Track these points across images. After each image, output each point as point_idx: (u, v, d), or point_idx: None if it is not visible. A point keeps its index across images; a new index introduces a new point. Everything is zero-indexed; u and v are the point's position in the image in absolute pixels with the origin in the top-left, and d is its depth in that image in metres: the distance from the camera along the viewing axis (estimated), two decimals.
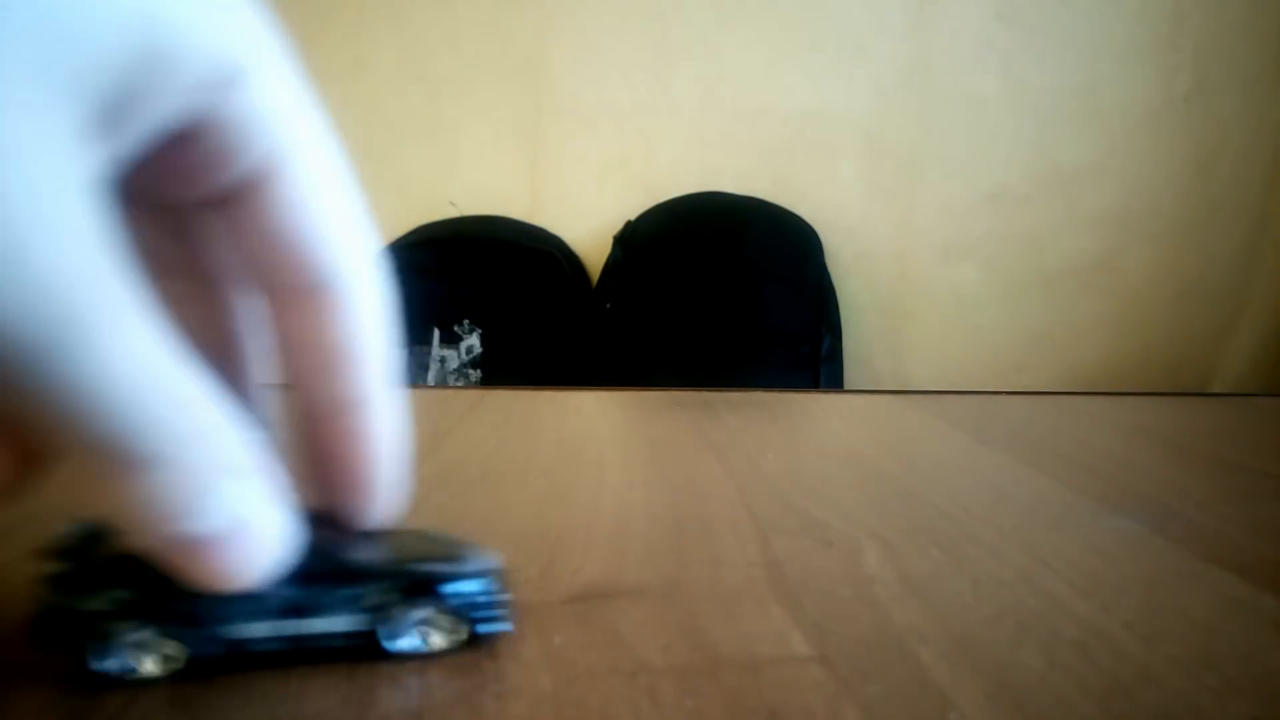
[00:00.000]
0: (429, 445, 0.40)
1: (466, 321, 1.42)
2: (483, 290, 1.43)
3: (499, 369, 1.42)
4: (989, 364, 1.52)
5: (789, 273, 1.45)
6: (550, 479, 0.37)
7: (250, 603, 0.18)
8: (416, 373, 1.43)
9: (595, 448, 0.43)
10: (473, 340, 1.43)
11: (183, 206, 0.19)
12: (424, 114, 1.53)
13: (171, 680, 0.18)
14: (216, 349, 0.20)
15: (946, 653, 0.21)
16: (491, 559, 0.21)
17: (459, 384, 1.42)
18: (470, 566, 0.20)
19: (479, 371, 1.43)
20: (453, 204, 1.52)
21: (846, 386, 1.46)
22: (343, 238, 0.19)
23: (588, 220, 1.54)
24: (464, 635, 0.20)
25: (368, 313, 0.20)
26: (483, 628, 0.20)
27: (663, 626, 0.22)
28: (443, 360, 1.43)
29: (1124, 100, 1.46)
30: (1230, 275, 1.50)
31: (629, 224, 1.50)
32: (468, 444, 0.42)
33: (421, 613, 0.20)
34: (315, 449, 0.20)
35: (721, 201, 1.51)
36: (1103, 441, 0.46)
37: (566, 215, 1.55)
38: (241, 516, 0.16)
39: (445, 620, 0.20)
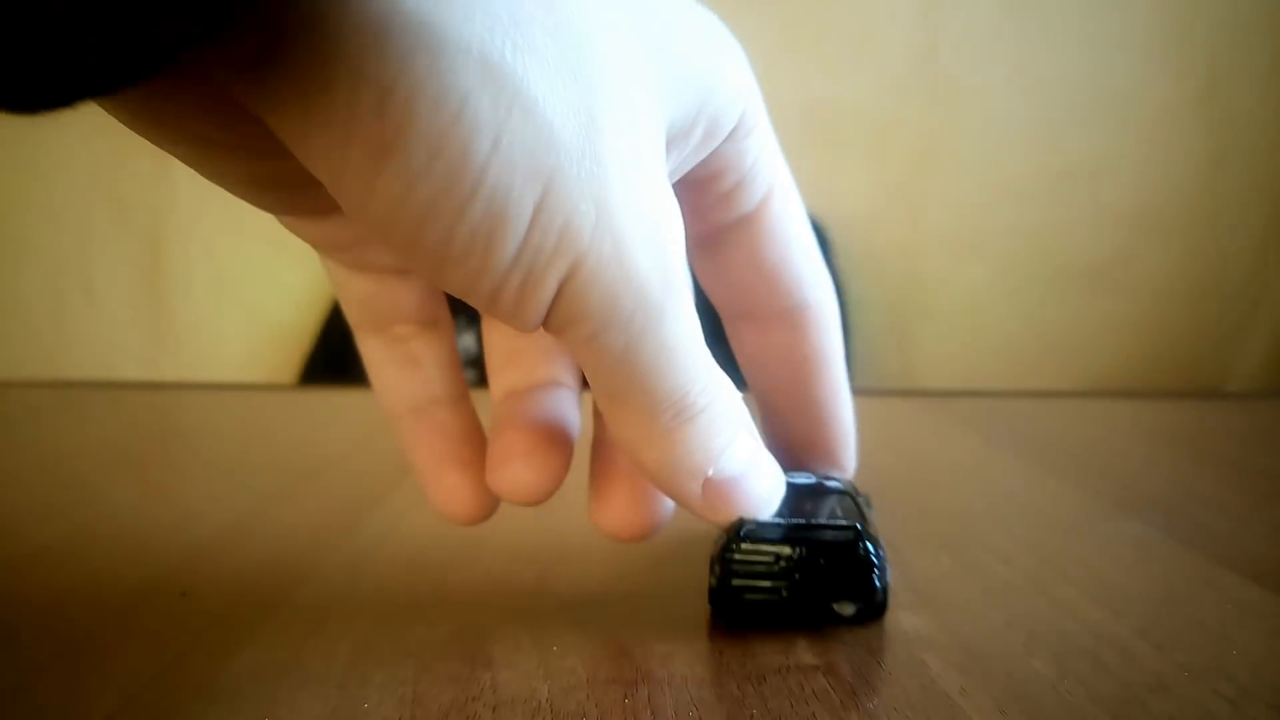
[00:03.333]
0: None
1: (461, 319, 1.42)
2: None
3: None
4: (1000, 362, 1.51)
5: None
6: None
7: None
8: None
9: None
10: (468, 340, 1.42)
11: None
12: None
13: None
14: None
15: (955, 662, 0.20)
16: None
17: None
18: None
19: (474, 371, 1.42)
20: None
21: (855, 386, 1.45)
22: (813, 265, 0.23)
23: None
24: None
25: (834, 326, 0.23)
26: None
27: (663, 634, 0.22)
28: None
29: (1137, 94, 1.45)
30: (1246, 272, 1.48)
31: None
32: None
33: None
34: (797, 432, 0.24)
35: None
36: (1115, 444, 0.46)
37: None
38: (754, 460, 0.20)
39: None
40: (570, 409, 0.23)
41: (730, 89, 0.19)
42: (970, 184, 1.50)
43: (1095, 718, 0.18)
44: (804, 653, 0.21)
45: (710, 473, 0.19)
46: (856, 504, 0.23)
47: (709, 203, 0.21)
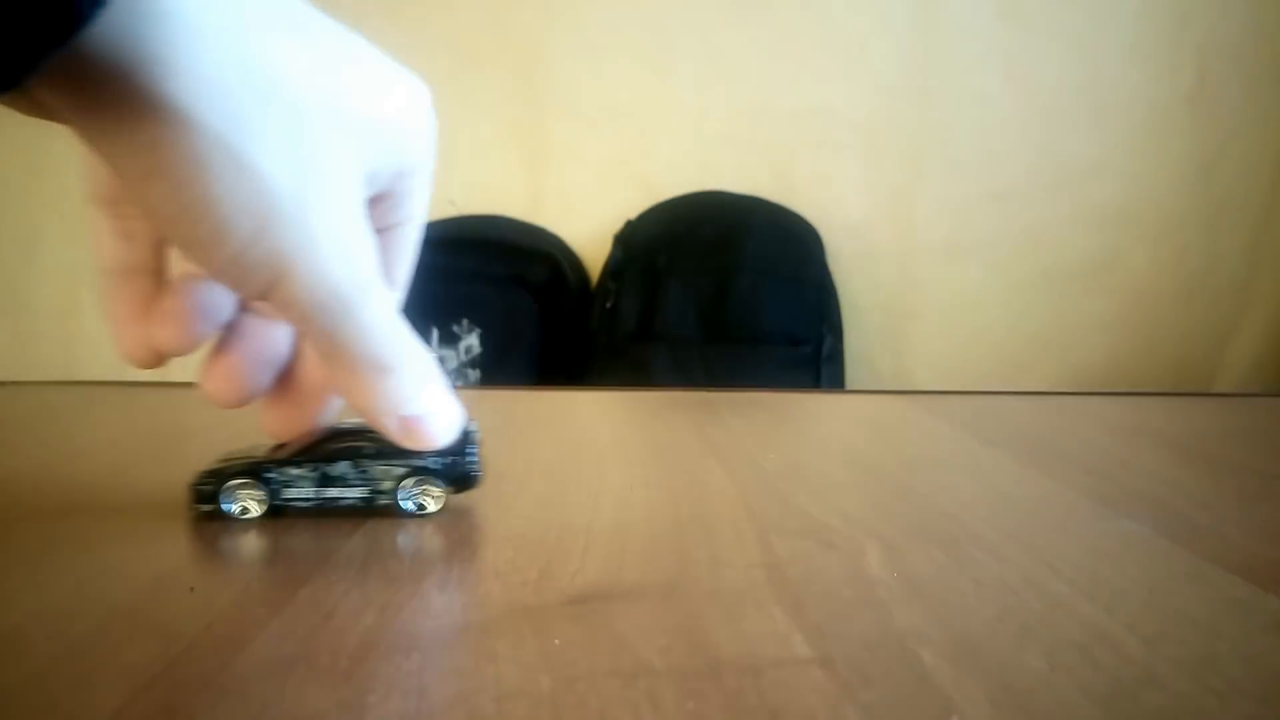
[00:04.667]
0: None
1: (465, 321, 1.42)
2: (482, 290, 1.43)
3: (497, 369, 1.42)
4: (992, 363, 1.52)
5: (790, 272, 1.44)
6: (550, 479, 0.36)
7: (302, 478, 0.30)
8: None
9: (595, 448, 0.43)
10: (471, 340, 1.42)
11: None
12: None
13: (259, 519, 0.30)
14: None
15: (949, 655, 0.20)
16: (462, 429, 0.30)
17: (458, 384, 1.41)
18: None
19: (478, 371, 1.42)
20: (452, 203, 1.52)
21: (848, 387, 1.46)
22: (412, 256, 0.31)
23: (588, 220, 1.53)
24: (445, 498, 0.31)
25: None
26: (459, 487, 0.31)
27: (663, 628, 0.22)
28: (441, 360, 1.42)
29: (1127, 98, 1.46)
30: (1234, 274, 1.49)
31: (629, 223, 1.49)
32: None
33: (414, 482, 0.30)
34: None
35: (722, 200, 1.50)
36: (1106, 442, 0.46)
37: (566, 214, 1.54)
38: (438, 404, 0.28)
39: (435, 486, 0.30)
40: (222, 298, 0.29)
41: (416, 153, 0.28)
42: (962, 187, 1.51)
43: (1086, 711, 0.18)
44: (800, 646, 0.21)
45: (403, 412, 0.27)
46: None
47: (377, 214, 0.28)
